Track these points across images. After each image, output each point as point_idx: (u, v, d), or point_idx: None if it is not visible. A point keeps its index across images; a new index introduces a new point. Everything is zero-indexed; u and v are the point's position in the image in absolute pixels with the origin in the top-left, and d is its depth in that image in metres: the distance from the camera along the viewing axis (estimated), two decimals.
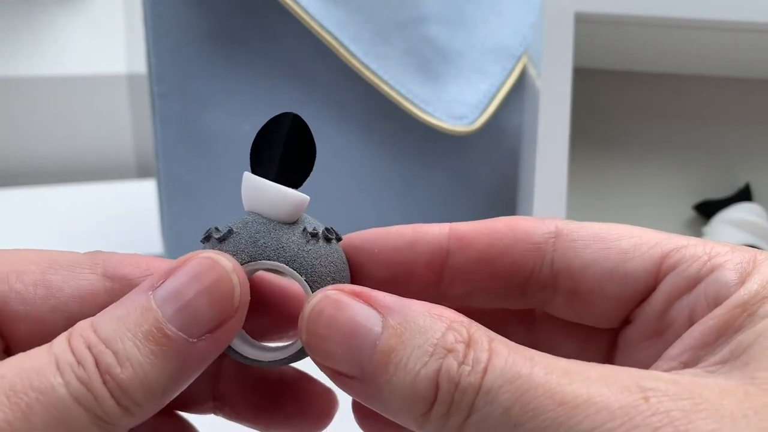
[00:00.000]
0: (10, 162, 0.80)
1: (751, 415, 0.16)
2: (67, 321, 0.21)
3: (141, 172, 0.83)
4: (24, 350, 0.20)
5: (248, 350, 0.21)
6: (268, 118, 0.24)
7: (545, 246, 0.21)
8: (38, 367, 0.17)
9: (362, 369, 0.18)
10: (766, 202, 0.53)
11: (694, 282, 0.20)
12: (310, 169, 0.21)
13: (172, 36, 0.49)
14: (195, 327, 0.19)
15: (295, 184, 0.21)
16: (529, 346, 0.24)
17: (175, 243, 0.52)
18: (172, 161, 0.51)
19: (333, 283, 0.21)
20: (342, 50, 0.49)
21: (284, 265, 0.21)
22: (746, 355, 0.18)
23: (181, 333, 0.18)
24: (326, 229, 0.22)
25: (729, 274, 0.19)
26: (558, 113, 0.43)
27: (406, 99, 0.51)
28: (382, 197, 0.54)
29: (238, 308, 0.19)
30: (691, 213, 0.54)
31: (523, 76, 0.53)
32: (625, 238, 0.21)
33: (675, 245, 0.20)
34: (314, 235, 0.21)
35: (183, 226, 0.52)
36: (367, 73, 0.50)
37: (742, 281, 0.19)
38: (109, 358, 0.18)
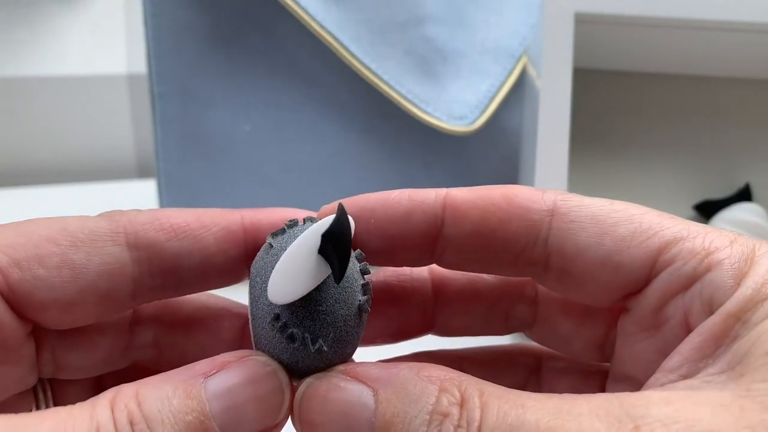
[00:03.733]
0: (10, 162, 0.80)
1: None
2: (98, 299, 0.20)
3: (141, 172, 0.83)
4: (56, 331, 0.20)
5: None
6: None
7: (541, 224, 0.21)
8: None
9: None
10: (766, 202, 0.53)
11: (689, 281, 0.19)
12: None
13: (172, 36, 0.49)
14: (236, 430, 0.18)
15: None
16: (530, 323, 0.24)
17: None
18: (172, 161, 0.51)
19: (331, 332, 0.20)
20: (342, 50, 0.49)
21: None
22: (741, 365, 0.17)
23: None
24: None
25: (725, 276, 0.19)
26: (558, 113, 0.43)
27: (406, 99, 0.51)
28: None
29: (279, 423, 0.19)
30: (691, 213, 0.54)
31: (523, 76, 0.53)
32: (623, 224, 0.20)
33: (674, 236, 0.20)
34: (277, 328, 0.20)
35: None
36: (367, 73, 0.50)
37: (737, 283, 0.18)
38: None
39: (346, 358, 0.21)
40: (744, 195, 0.53)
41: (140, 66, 0.78)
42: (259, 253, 0.21)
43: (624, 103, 0.55)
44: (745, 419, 0.16)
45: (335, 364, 0.20)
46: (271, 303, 0.20)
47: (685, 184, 0.54)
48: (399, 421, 0.18)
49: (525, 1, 0.54)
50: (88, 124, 0.81)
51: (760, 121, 0.55)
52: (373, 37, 0.50)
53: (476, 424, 0.17)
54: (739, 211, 0.51)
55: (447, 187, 0.22)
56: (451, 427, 0.17)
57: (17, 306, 0.20)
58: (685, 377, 0.18)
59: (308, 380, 0.19)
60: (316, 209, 0.23)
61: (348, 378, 0.19)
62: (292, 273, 0.19)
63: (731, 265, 0.19)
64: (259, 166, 0.51)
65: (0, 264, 0.20)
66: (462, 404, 0.18)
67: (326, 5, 0.49)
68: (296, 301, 0.19)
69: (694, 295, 0.19)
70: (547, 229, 0.21)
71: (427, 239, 0.21)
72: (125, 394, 0.18)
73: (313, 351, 0.19)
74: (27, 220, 0.21)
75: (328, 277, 0.20)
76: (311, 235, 0.19)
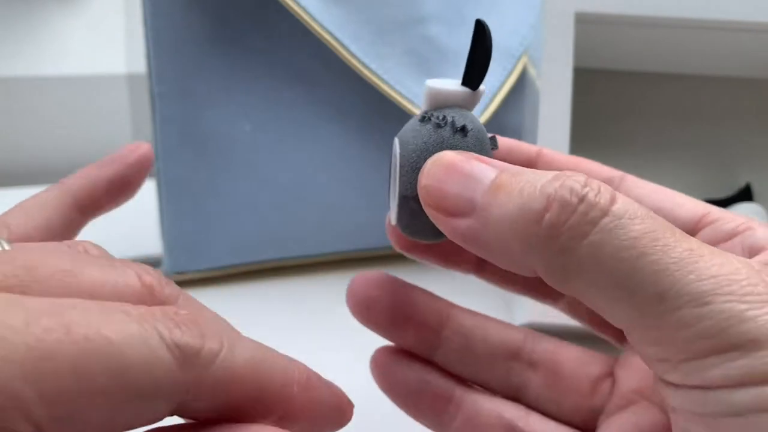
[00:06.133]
0: (10, 162, 0.80)
1: None
2: None
3: None
4: None
5: None
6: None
7: (612, 180, 0.25)
8: None
9: (473, 202, 0.19)
10: (766, 202, 0.53)
11: (731, 235, 0.22)
12: (479, 68, 0.23)
13: (172, 36, 0.49)
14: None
15: (473, 84, 0.23)
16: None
17: (175, 243, 0.52)
18: (172, 161, 0.51)
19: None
20: (342, 50, 0.49)
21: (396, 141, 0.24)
22: None
23: None
24: (454, 121, 0.23)
25: (764, 233, 0.21)
26: (558, 113, 0.43)
27: (406, 99, 0.51)
28: (383, 197, 0.54)
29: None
30: None
31: (523, 76, 0.53)
32: (678, 196, 0.24)
33: (717, 210, 0.24)
34: (427, 120, 0.23)
35: (183, 226, 0.52)
36: (367, 73, 0.50)
37: None
38: None
39: None
40: (744, 195, 0.53)
41: (140, 66, 0.78)
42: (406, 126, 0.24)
43: (624, 103, 0.55)
44: None
45: None
46: (421, 115, 0.23)
47: (685, 184, 0.54)
48: (517, 181, 0.19)
49: (525, 1, 0.54)
50: (88, 124, 0.81)
51: (760, 121, 0.55)
52: (373, 37, 0.50)
53: (610, 194, 0.18)
54: (739, 211, 0.51)
55: None
56: (578, 184, 0.18)
57: None
58: None
59: (443, 153, 0.21)
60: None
61: (481, 160, 0.21)
62: (445, 84, 0.23)
63: (766, 230, 0.22)
64: (259, 166, 0.51)
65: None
66: (592, 181, 0.19)
67: (326, 5, 0.49)
68: (443, 108, 0.23)
69: (735, 243, 0.22)
70: (618, 184, 0.25)
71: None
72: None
73: (458, 128, 0.22)
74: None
75: (468, 111, 0.23)
76: (452, 80, 0.23)
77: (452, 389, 0.26)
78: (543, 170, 0.19)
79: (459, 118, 0.23)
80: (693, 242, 0.17)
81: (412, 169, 0.22)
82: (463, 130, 0.22)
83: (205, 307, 0.20)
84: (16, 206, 0.25)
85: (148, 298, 0.17)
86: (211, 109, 0.51)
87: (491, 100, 0.52)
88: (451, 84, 0.23)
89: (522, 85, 0.53)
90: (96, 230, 0.26)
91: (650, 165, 0.54)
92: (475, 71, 0.23)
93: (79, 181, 0.28)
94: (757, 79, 0.54)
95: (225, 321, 0.19)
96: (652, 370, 0.18)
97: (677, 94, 0.55)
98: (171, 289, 0.18)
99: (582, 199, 0.17)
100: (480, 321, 0.27)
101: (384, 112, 0.52)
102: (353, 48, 0.50)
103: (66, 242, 0.20)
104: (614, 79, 0.54)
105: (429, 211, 0.21)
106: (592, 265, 0.17)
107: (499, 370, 0.26)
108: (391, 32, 0.51)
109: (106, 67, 0.81)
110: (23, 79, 0.79)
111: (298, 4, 0.48)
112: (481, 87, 0.23)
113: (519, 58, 0.53)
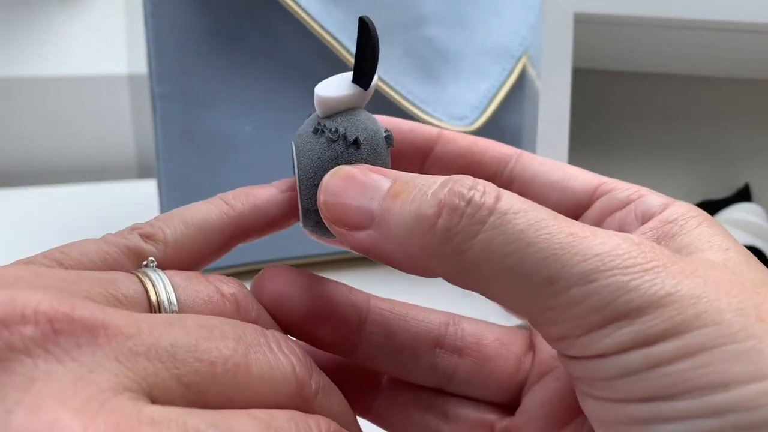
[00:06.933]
0: (10, 162, 0.80)
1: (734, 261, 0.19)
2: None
3: (141, 172, 0.84)
4: None
5: None
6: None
7: (510, 158, 0.26)
8: None
9: (372, 214, 0.20)
10: (766, 202, 0.53)
11: (624, 203, 0.23)
12: (368, 67, 0.23)
13: (172, 36, 0.49)
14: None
15: (365, 83, 0.23)
16: None
17: None
18: (172, 161, 0.51)
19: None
20: (342, 51, 0.49)
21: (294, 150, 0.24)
22: (687, 251, 0.20)
23: None
24: (346, 135, 0.23)
25: (655, 200, 0.23)
26: (558, 113, 0.43)
27: (406, 99, 0.51)
28: None
29: None
30: None
31: (522, 76, 0.53)
32: (572, 168, 0.25)
33: (610, 180, 0.25)
34: (321, 132, 0.23)
35: None
36: None
37: (665, 207, 0.22)
38: None
39: None
40: (744, 195, 0.53)
41: (140, 66, 0.78)
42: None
43: (624, 103, 0.55)
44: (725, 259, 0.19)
45: None
46: (313, 124, 0.23)
47: (684, 184, 0.54)
48: (410, 188, 0.20)
49: (525, 1, 0.54)
50: (88, 124, 0.81)
51: (760, 121, 0.55)
52: None
53: (495, 193, 0.19)
54: (739, 212, 0.51)
55: None
56: (465, 187, 0.19)
57: None
58: None
59: (339, 167, 0.22)
60: None
61: (374, 171, 0.21)
62: (335, 87, 0.23)
63: (659, 197, 0.23)
64: (259, 166, 0.51)
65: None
66: (475, 182, 0.19)
67: (326, 5, 0.49)
68: (335, 114, 0.23)
69: (628, 211, 0.23)
70: (515, 162, 0.26)
71: (420, 153, 0.26)
72: None
73: (351, 142, 0.22)
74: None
75: (360, 109, 0.23)
76: (345, 74, 0.23)
77: (367, 393, 0.26)
78: (433, 175, 0.20)
79: (351, 129, 0.23)
80: (575, 226, 0.18)
81: (310, 184, 0.23)
82: (356, 142, 0.23)
83: (341, 399, 0.21)
84: (175, 213, 0.24)
85: (300, 400, 0.19)
86: (211, 109, 0.51)
87: (491, 101, 0.52)
88: (342, 86, 0.23)
89: (522, 85, 0.53)
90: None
91: (649, 165, 0.54)
92: (365, 69, 0.23)
93: (249, 212, 0.25)
94: (757, 79, 0.54)
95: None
96: (555, 348, 0.19)
97: (677, 94, 0.55)
98: (315, 381, 0.19)
99: (469, 201, 0.19)
100: (401, 310, 0.26)
101: (384, 113, 0.52)
102: (353, 48, 0.50)
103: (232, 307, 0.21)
104: (614, 80, 0.55)
105: (330, 226, 0.21)
106: (485, 261, 0.18)
107: (424, 361, 0.26)
108: (391, 33, 0.51)
109: (107, 68, 0.81)
110: (24, 80, 0.79)
111: (299, 5, 0.48)
112: (373, 82, 0.23)
113: (519, 59, 0.53)
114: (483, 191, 0.19)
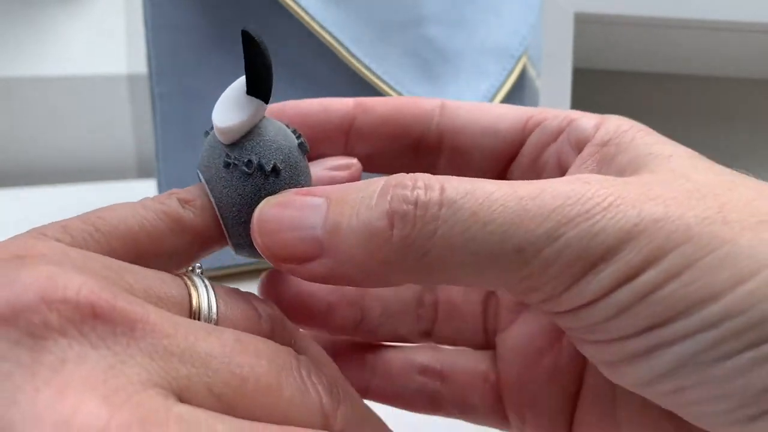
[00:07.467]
0: (10, 162, 0.80)
1: (682, 180, 0.19)
2: None
3: (141, 172, 0.83)
4: None
5: None
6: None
7: (432, 113, 0.25)
8: None
9: (318, 241, 0.19)
10: None
11: (557, 133, 0.23)
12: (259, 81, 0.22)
13: (172, 36, 0.49)
14: None
15: (264, 96, 0.22)
16: None
17: None
18: (172, 161, 0.51)
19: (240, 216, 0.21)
20: (342, 51, 0.49)
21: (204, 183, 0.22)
22: (630, 170, 0.20)
23: None
24: (261, 164, 0.21)
25: (586, 122, 0.22)
26: None
27: None
28: None
29: None
30: None
31: (523, 76, 0.53)
32: (498, 107, 0.25)
33: (538, 111, 0.24)
34: (233, 166, 0.21)
35: None
36: (368, 74, 0.50)
37: (597, 127, 0.22)
38: None
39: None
40: None
41: (140, 66, 0.78)
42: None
43: (624, 103, 0.55)
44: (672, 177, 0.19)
45: None
46: (220, 155, 0.21)
47: None
48: (348, 204, 0.19)
49: (525, 0, 0.54)
50: (88, 124, 0.81)
51: (760, 121, 0.55)
52: (373, 37, 0.50)
53: (438, 186, 0.18)
54: None
55: None
56: (407, 190, 0.18)
57: None
58: None
59: (265, 200, 0.21)
60: None
61: (302, 194, 0.20)
62: (231, 108, 0.22)
63: (589, 119, 0.23)
64: None
65: None
66: (415, 179, 0.19)
67: (326, 5, 0.49)
68: (241, 139, 0.21)
69: (563, 141, 0.23)
70: (439, 115, 0.25)
71: (342, 130, 0.25)
72: None
73: (269, 171, 0.21)
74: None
75: (263, 120, 0.22)
76: (237, 83, 0.22)
77: (363, 352, 0.27)
78: (365, 183, 0.19)
79: (266, 156, 0.21)
80: (521, 187, 0.18)
81: (236, 222, 0.21)
82: (275, 170, 0.21)
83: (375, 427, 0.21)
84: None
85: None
86: (211, 109, 0.51)
87: (491, 100, 0.52)
88: (240, 104, 0.22)
89: (522, 85, 0.53)
90: None
91: None
92: (261, 80, 0.22)
93: None
94: (757, 79, 0.54)
95: None
96: (542, 312, 0.19)
97: (677, 94, 0.55)
98: (341, 414, 0.19)
99: (415, 202, 0.18)
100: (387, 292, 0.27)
101: None
102: (353, 49, 0.50)
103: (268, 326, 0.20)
104: (614, 79, 0.55)
105: (277, 265, 0.20)
106: (450, 255, 0.18)
107: (410, 321, 0.27)
108: (391, 32, 0.51)
109: (107, 68, 0.81)
110: (25, 80, 0.79)
111: (298, 5, 0.48)
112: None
113: (519, 59, 0.53)
114: (425, 186, 0.18)
